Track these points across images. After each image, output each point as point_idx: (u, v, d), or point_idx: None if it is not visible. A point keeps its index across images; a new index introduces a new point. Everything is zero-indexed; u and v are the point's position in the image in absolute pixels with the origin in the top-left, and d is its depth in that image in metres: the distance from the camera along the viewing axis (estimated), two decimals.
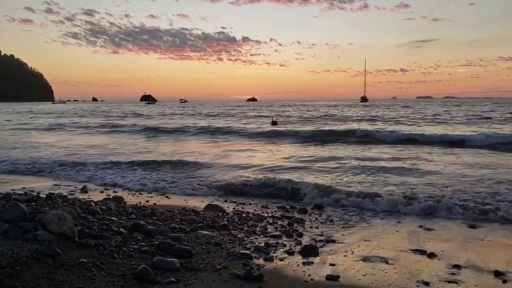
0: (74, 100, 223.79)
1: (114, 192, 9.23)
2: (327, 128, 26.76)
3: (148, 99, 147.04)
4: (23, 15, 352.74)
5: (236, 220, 6.69)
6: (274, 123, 32.37)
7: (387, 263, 4.95)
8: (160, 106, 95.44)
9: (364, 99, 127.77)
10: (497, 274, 4.65)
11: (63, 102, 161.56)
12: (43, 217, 4.57)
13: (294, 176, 10.33)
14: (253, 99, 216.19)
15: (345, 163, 12.78)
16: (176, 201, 8.43)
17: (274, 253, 5.13)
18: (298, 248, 5.36)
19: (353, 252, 5.31)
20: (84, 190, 9.23)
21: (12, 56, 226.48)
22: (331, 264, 4.85)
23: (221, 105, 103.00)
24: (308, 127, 26.90)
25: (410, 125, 29.90)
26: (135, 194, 9.15)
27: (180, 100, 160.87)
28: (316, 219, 7.05)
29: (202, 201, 8.34)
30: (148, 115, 51.30)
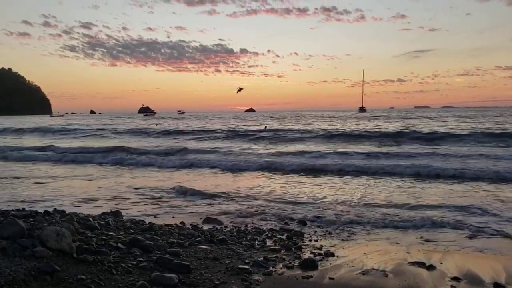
0: (72, 113, 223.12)
1: None
2: None
3: (146, 111, 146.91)
4: (20, 29, 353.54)
5: (235, 234, 6.67)
6: (265, 128, 38.68)
7: (387, 276, 4.94)
8: (160, 119, 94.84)
9: (362, 109, 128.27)
10: (497, 286, 4.64)
11: (61, 115, 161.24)
12: (42, 233, 4.56)
13: None
14: (251, 110, 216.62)
15: None
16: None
17: (273, 267, 5.10)
18: (297, 262, 5.34)
19: (352, 266, 5.30)
20: None
21: (10, 69, 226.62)
22: (330, 278, 4.83)
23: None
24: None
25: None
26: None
27: (178, 111, 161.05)
28: (315, 232, 7.04)
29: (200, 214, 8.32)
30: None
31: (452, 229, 7.16)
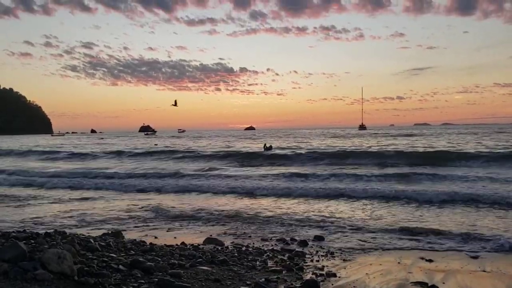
0: (72, 132, 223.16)
1: None
2: None
3: (147, 130, 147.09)
4: (22, 49, 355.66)
5: (236, 254, 6.64)
6: (268, 148, 34.68)
7: None
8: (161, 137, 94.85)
9: (362, 127, 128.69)
10: None
11: (62, 134, 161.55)
12: (43, 256, 4.55)
13: None
14: (251, 128, 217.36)
15: None
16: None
17: None
18: (298, 283, 5.30)
19: (354, 286, 5.27)
20: None
21: (11, 89, 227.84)
22: None
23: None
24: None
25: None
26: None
27: (179, 130, 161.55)
28: (317, 252, 7.01)
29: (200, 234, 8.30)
30: None
31: (454, 249, 7.14)
